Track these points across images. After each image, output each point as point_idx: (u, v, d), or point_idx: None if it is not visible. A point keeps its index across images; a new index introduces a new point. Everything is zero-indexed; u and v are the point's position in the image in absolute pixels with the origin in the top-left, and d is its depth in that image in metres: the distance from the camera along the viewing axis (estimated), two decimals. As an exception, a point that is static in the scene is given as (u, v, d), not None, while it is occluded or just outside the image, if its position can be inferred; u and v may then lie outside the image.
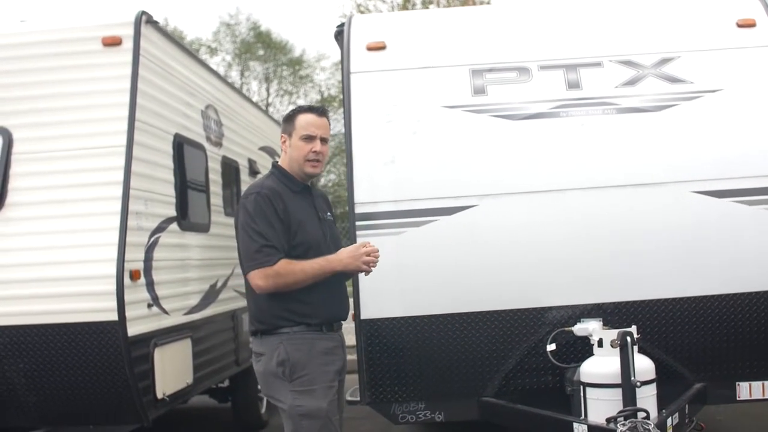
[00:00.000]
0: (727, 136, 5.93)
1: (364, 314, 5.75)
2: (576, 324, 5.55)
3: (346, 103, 6.00)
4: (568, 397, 5.42)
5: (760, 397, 5.92)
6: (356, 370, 5.90)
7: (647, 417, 4.66)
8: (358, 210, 5.78)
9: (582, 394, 5.00)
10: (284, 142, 4.62)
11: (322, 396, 4.34)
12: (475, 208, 5.77)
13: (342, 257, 4.42)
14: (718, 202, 5.83)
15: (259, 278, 4.30)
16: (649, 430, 4.48)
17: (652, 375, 4.92)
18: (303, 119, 4.57)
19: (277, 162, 4.72)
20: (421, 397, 5.82)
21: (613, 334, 4.90)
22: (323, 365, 4.40)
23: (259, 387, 4.93)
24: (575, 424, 4.91)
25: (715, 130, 5.95)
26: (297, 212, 4.45)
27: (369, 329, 5.74)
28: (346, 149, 5.94)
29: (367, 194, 5.78)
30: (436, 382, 5.78)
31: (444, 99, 6.01)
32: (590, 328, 5.39)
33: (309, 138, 4.54)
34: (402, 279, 5.70)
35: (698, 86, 6.02)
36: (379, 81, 6.05)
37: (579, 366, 5.33)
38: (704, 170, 5.86)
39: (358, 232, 5.74)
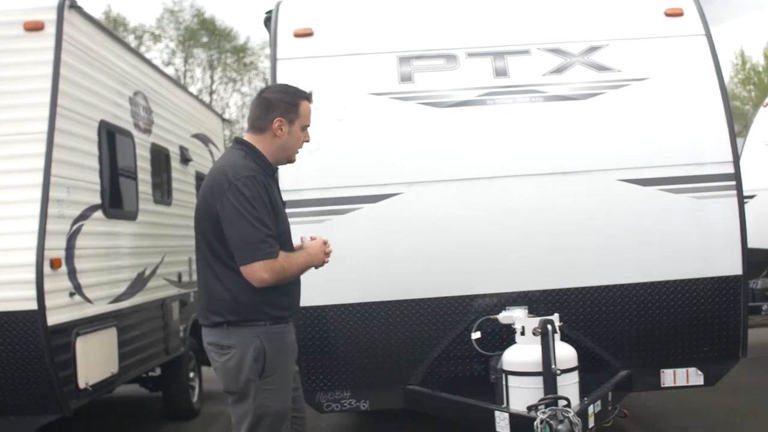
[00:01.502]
0: (654, 124, 5.95)
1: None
2: (501, 312, 5.54)
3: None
4: (492, 386, 5.41)
5: (684, 384, 5.98)
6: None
7: (568, 405, 4.65)
8: (283, 197, 5.70)
9: (504, 382, 4.98)
10: (280, 127, 4.25)
11: (286, 395, 4.20)
12: (400, 196, 5.73)
13: (316, 252, 4.31)
14: (644, 191, 5.85)
15: (264, 271, 3.99)
16: (568, 417, 4.47)
17: (574, 363, 4.92)
18: (306, 108, 4.35)
19: (243, 139, 4.34)
20: (346, 386, 5.78)
21: (535, 322, 4.89)
22: (288, 359, 4.25)
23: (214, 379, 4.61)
24: (497, 412, 4.90)
25: (642, 118, 5.96)
26: (274, 199, 4.20)
27: (301, 317, 5.67)
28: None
29: (291, 181, 5.70)
30: (361, 371, 5.74)
31: (371, 86, 5.96)
32: (515, 316, 5.39)
33: (306, 128, 4.39)
34: (327, 267, 5.62)
35: (625, 75, 6.03)
36: (306, 68, 5.98)
37: (499, 354, 5.33)
38: (630, 159, 5.88)
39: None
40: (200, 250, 4.22)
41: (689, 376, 5.96)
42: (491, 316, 5.56)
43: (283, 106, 4.27)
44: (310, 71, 5.97)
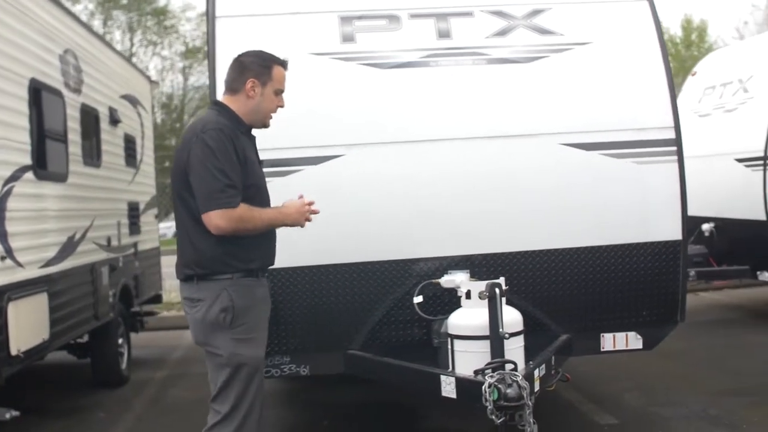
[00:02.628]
0: (596, 89, 5.94)
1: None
2: (443, 276, 5.49)
3: (210, 49, 5.75)
4: (435, 350, 5.37)
5: (623, 347, 6.00)
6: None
7: (515, 369, 4.62)
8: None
9: (450, 346, 4.93)
10: (252, 88, 4.45)
11: (260, 344, 4.35)
12: (342, 158, 5.63)
13: (291, 212, 4.40)
14: (586, 155, 5.84)
15: (221, 219, 4.11)
16: (516, 381, 4.43)
17: (519, 327, 4.88)
18: (279, 72, 4.54)
19: (218, 100, 4.58)
20: (285, 351, 5.68)
21: (481, 285, 4.84)
22: (262, 313, 4.39)
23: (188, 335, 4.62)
24: (442, 377, 4.84)
25: (584, 83, 5.94)
26: (245, 152, 4.31)
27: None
28: (209, 96, 5.71)
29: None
30: (301, 336, 5.64)
31: (312, 46, 5.82)
32: (457, 280, 5.34)
33: (280, 92, 4.56)
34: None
35: (568, 38, 5.99)
36: (246, 26, 5.81)
37: (446, 318, 5.28)
38: (573, 123, 5.85)
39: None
40: (175, 206, 4.36)
41: (628, 340, 5.99)
42: (433, 281, 5.51)
43: (256, 68, 4.47)
44: (249, 29, 5.81)
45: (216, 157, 4.14)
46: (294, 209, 4.41)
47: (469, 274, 5.44)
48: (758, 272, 10.24)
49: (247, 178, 4.27)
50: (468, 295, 4.93)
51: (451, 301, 5.45)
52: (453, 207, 5.73)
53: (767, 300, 12.13)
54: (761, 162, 9.81)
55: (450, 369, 4.94)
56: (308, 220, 4.48)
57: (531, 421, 4.47)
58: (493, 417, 4.44)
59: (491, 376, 4.46)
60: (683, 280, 5.99)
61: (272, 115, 4.61)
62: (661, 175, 5.91)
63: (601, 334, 5.98)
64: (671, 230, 5.94)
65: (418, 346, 5.69)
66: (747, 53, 11.41)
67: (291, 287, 5.59)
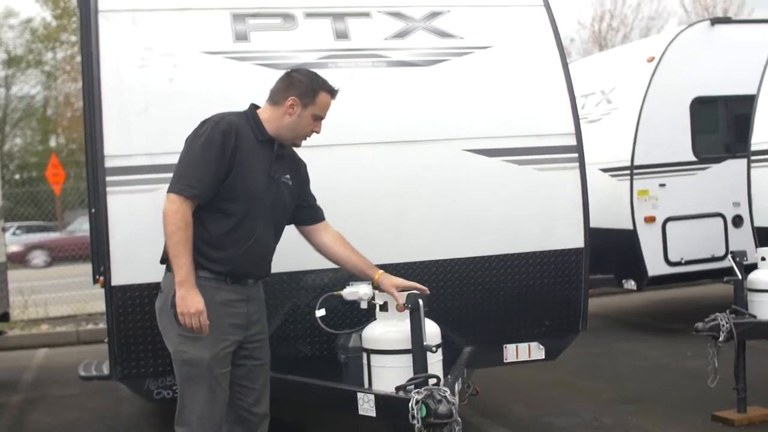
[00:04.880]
0: (498, 94, 5.83)
1: (116, 280, 5.14)
2: (345, 288, 5.20)
3: (94, 45, 5.32)
4: (333, 365, 5.10)
5: (526, 358, 5.90)
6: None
7: (437, 383, 4.38)
8: (108, 164, 5.15)
9: (366, 361, 4.65)
10: (292, 106, 4.41)
11: (208, 346, 4.19)
12: (236, 163, 5.30)
13: (184, 294, 4.09)
14: (489, 162, 5.71)
15: (168, 201, 4.15)
16: (446, 397, 4.20)
17: (438, 339, 4.65)
18: (324, 99, 4.49)
19: (257, 107, 4.52)
20: (178, 371, 5.29)
21: (401, 297, 4.59)
22: (219, 316, 4.21)
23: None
24: (360, 394, 4.55)
25: (486, 87, 5.83)
26: (248, 159, 4.27)
27: (121, 297, 5.14)
28: (93, 96, 5.29)
29: (118, 147, 5.16)
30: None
31: (203, 44, 5.47)
32: (361, 292, 5.05)
33: (320, 118, 4.52)
34: (159, 241, 5.08)
35: (469, 42, 5.85)
36: (132, 21, 5.40)
37: (354, 332, 5.03)
38: (475, 128, 5.72)
39: (109, 189, 5.11)
40: None
41: (531, 351, 5.89)
42: (335, 293, 5.20)
43: (302, 88, 4.43)
44: (136, 25, 5.41)
45: (199, 144, 4.20)
46: (194, 304, 4.08)
47: (371, 285, 5.18)
48: (623, 280, 10.39)
49: (236, 181, 4.24)
50: (384, 307, 4.66)
51: (351, 314, 5.23)
52: (348, 215, 5.45)
53: (632, 308, 12.35)
54: (627, 172, 9.96)
55: (367, 386, 4.66)
56: (183, 323, 4.12)
57: (460, 438, 4.26)
58: (421, 436, 4.19)
59: (418, 392, 4.21)
60: (585, 289, 5.92)
61: (306, 137, 4.58)
62: (563, 182, 5.84)
63: (504, 346, 5.85)
64: (574, 238, 5.87)
65: (318, 362, 5.43)
66: (608, 64, 11.61)
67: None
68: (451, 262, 5.66)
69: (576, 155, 5.85)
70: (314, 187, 5.12)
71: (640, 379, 8.15)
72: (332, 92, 4.52)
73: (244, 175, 4.26)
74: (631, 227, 9.95)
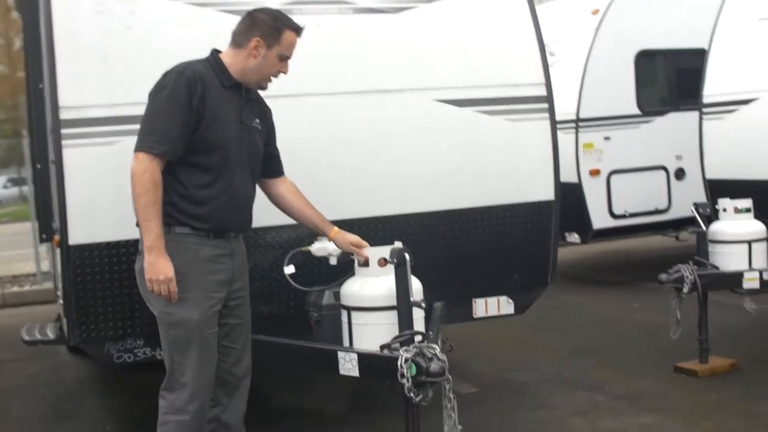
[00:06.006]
0: (468, 43, 5.63)
1: (73, 239, 4.84)
2: (314, 243, 4.99)
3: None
4: (316, 324, 4.90)
5: (495, 313, 5.78)
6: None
7: (423, 340, 4.23)
8: (64, 116, 4.82)
9: (346, 319, 4.46)
10: (256, 47, 4.18)
11: (195, 305, 4.03)
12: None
13: (153, 260, 3.93)
14: (459, 111, 5.54)
15: (136, 161, 3.93)
16: (436, 354, 4.05)
17: (422, 295, 4.49)
18: (290, 38, 4.26)
19: (219, 52, 4.28)
20: (140, 333, 5.04)
21: (383, 251, 4.40)
22: (203, 273, 4.06)
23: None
24: (341, 354, 4.37)
25: (456, 36, 5.61)
26: (216, 105, 4.06)
27: (79, 257, 4.85)
28: (46, 44, 4.97)
29: (73, 97, 4.84)
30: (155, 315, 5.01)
31: (163, -11, 5.17)
32: (330, 247, 4.86)
33: (286, 58, 4.29)
34: (119, 197, 4.80)
35: (436, -12, 5.64)
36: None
37: (328, 289, 4.84)
38: (447, 78, 5.55)
39: (65, 142, 4.81)
40: None
41: (500, 306, 5.77)
42: (303, 248, 4.99)
43: (265, 28, 4.21)
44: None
45: (161, 98, 3.98)
46: (163, 270, 3.93)
47: (333, 241, 4.98)
48: (566, 233, 10.35)
49: (207, 131, 4.03)
50: (365, 262, 4.47)
51: (320, 270, 5.04)
52: (314, 168, 5.25)
53: (576, 261, 12.34)
54: (573, 125, 9.91)
55: (347, 344, 4.48)
56: (153, 290, 3.99)
57: (452, 396, 4.11)
58: (411, 395, 4.03)
59: (407, 350, 4.05)
60: (555, 242, 5.83)
61: (272, 78, 4.34)
62: (533, 133, 5.73)
63: (473, 300, 5.72)
64: (544, 190, 5.77)
65: (284, 321, 5.24)
66: (551, 17, 11.49)
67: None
68: (420, 215, 5.50)
69: (546, 106, 5.74)
70: (280, 139, 4.90)
71: (593, 333, 8.14)
72: (297, 30, 4.30)
73: (215, 125, 4.06)
74: (576, 180, 9.91)
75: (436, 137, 5.51)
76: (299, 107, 5.26)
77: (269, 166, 4.55)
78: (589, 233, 10.14)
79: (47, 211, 5.98)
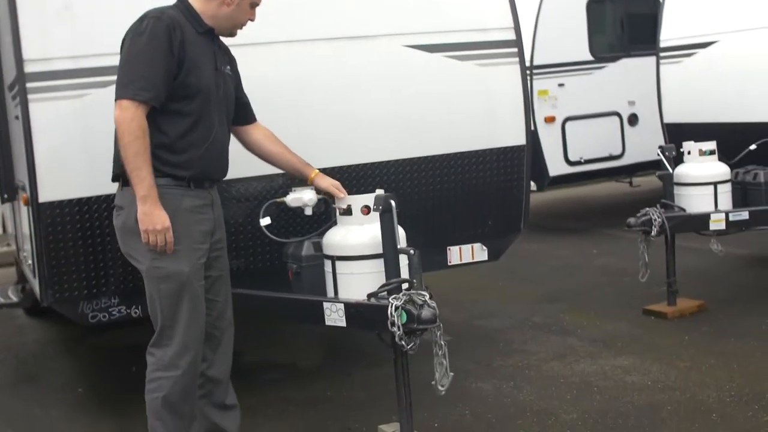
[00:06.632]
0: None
1: (43, 196, 4.70)
2: (288, 194, 4.90)
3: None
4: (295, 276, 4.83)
5: (470, 260, 5.74)
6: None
7: (410, 288, 4.18)
8: (29, 69, 4.66)
9: (331, 269, 4.39)
10: None
11: (184, 257, 3.93)
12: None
13: (148, 210, 3.80)
14: (429, 57, 5.47)
15: (118, 108, 3.81)
16: (426, 301, 4.01)
17: (405, 243, 4.44)
18: None
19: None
20: (114, 292, 4.94)
21: (365, 199, 4.34)
22: (189, 224, 3.97)
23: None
24: (326, 304, 4.32)
25: (423, -23, 5.53)
26: (194, 52, 3.98)
27: (49, 214, 4.72)
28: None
29: (37, 49, 4.67)
30: (131, 272, 4.89)
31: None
32: (305, 197, 4.78)
33: (255, 5, 4.25)
34: (89, 152, 4.71)
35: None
36: None
37: (308, 239, 4.78)
38: (414, 23, 5.45)
39: (31, 96, 4.65)
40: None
41: (474, 252, 5.73)
42: (277, 199, 4.91)
43: None
44: None
45: (141, 43, 3.85)
46: (160, 220, 3.81)
47: (314, 190, 4.91)
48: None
49: (186, 77, 3.92)
50: (348, 211, 4.40)
51: (296, 221, 5.04)
52: (281, 118, 5.13)
53: (532, 208, 12.25)
54: (527, 72, 9.83)
55: (332, 295, 4.42)
56: (149, 241, 3.84)
57: (443, 343, 4.08)
58: (402, 343, 3.99)
59: (396, 298, 4.00)
60: (527, 187, 5.82)
61: (242, 26, 4.29)
62: (503, 78, 5.68)
63: (448, 248, 5.68)
64: (515, 135, 5.74)
65: (259, 274, 5.17)
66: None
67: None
68: (392, 163, 5.44)
69: (516, 50, 5.68)
70: (249, 87, 4.81)
71: (557, 279, 8.19)
72: None
73: (196, 70, 3.97)
74: (531, 127, 9.88)
75: (406, 83, 5.44)
76: (267, 55, 5.14)
77: (242, 113, 4.46)
78: (545, 180, 10.19)
79: (7, 169, 5.80)
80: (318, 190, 4.57)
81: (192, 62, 3.95)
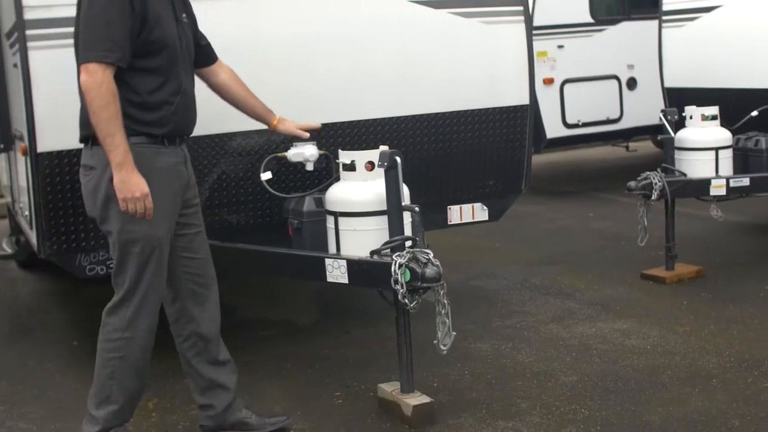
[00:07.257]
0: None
1: (42, 146, 4.65)
2: (289, 149, 4.85)
3: None
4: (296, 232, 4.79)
5: (470, 220, 5.71)
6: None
7: (414, 245, 4.14)
8: (29, 15, 4.57)
9: (334, 225, 4.35)
10: None
11: (158, 220, 3.81)
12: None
13: (125, 177, 3.65)
14: (435, 13, 5.40)
15: (84, 72, 3.64)
16: (430, 259, 3.98)
17: (409, 200, 4.40)
18: None
19: None
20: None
21: (371, 155, 4.29)
22: (163, 185, 3.83)
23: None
24: (328, 261, 4.28)
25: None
26: (155, 5, 3.81)
27: (48, 164, 4.66)
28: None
29: (38, -4, 4.61)
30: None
31: None
32: (307, 152, 4.76)
33: None
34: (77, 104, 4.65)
35: None
36: None
37: (309, 195, 4.73)
38: (420, -22, 5.38)
39: (30, 44, 4.57)
40: (76, 59, 3.83)
41: (475, 212, 5.70)
42: (278, 154, 4.88)
43: None
44: None
45: (101, 3, 3.67)
46: (138, 187, 3.67)
47: (316, 145, 4.86)
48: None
49: (151, 32, 3.79)
50: (351, 166, 4.35)
51: (296, 177, 5.03)
52: (284, 69, 5.10)
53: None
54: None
55: (334, 251, 4.38)
56: (128, 209, 3.70)
57: (446, 302, 4.05)
58: (405, 300, 3.96)
59: (400, 256, 3.97)
60: (529, 147, 5.77)
61: None
62: (509, 36, 5.62)
63: (448, 207, 5.64)
64: (519, 95, 5.69)
65: (258, 229, 5.13)
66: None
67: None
68: (394, 120, 5.39)
69: (521, 8, 5.62)
70: (244, 40, 4.74)
71: (553, 241, 8.17)
72: None
73: (159, 24, 3.83)
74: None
75: (410, 39, 5.38)
76: (265, 6, 5.08)
77: (203, 55, 4.30)
78: (542, 142, 10.13)
79: (3, 119, 5.72)
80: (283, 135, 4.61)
81: (154, 16, 3.81)
